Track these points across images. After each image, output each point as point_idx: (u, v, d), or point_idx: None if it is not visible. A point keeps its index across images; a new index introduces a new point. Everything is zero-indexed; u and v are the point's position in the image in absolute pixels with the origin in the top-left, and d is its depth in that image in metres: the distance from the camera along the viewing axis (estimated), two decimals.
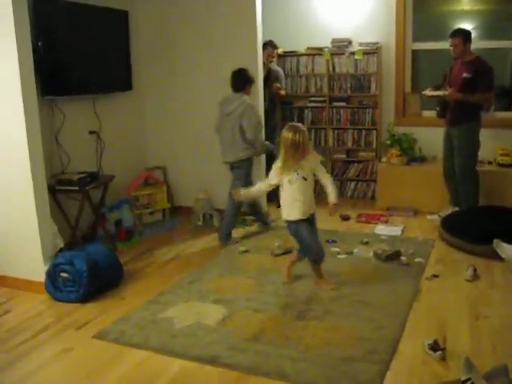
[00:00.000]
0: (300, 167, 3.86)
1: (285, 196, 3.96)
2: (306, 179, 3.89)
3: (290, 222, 3.98)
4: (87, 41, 5.10)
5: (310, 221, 4.01)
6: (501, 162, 5.93)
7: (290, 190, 3.91)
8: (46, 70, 4.61)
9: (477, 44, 5.89)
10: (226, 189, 6.00)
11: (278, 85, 6.40)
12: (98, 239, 5.10)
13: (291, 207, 3.94)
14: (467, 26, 6.10)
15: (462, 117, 5.41)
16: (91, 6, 5.12)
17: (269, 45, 6.41)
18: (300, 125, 3.86)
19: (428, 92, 5.77)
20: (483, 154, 5.77)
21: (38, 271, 4.16)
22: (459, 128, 5.45)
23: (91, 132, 5.43)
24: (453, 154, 5.57)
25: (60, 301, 4.03)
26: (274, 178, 3.95)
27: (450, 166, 5.66)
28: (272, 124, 6.47)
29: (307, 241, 3.95)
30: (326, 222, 5.78)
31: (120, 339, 3.42)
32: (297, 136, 3.72)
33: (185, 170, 6.34)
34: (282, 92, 6.54)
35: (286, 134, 3.77)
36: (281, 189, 3.97)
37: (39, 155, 4.11)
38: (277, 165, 3.90)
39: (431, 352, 3.09)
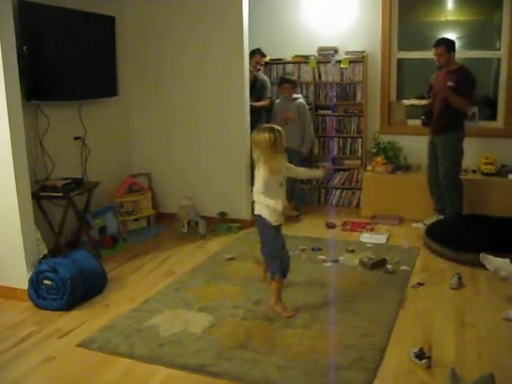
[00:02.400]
0: (283, 167, 3.75)
1: (273, 199, 3.66)
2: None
3: (271, 227, 3.75)
4: (73, 46, 5.08)
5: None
6: (484, 170, 6.00)
7: (280, 193, 3.69)
8: (30, 75, 4.58)
9: (461, 54, 5.97)
10: (210, 195, 6.02)
11: (252, 103, 6.26)
12: (82, 246, 5.05)
13: (277, 211, 3.68)
14: (452, 35, 6.18)
15: (445, 126, 5.47)
16: (78, 12, 5.10)
17: (257, 52, 6.44)
18: (272, 125, 3.77)
19: (406, 101, 5.85)
20: (467, 162, 5.85)
21: (20, 278, 4.12)
22: (443, 137, 5.51)
23: (76, 138, 5.40)
24: (437, 163, 5.63)
25: (43, 308, 3.99)
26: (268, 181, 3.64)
27: (434, 175, 5.71)
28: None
29: (282, 250, 3.78)
30: (311, 230, 5.82)
31: (105, 348, 3.40)
32: (275, 134, 3.59)
33: (169, 176, 6.33)
34: (262, 103, 6.49)
35: (262, 135, 3.60)
36: (267, 190, 3.65)
37: (23, 161, 4.07)
38: (266, 169, 3.61)
39: (417, 360, 3.10)
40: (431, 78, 5.56)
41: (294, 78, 6.55)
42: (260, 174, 3.63)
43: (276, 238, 3.78)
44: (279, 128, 3.69)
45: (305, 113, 6.36)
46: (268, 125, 3.80)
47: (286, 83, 6.32)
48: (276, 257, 3.77)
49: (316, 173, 4.32)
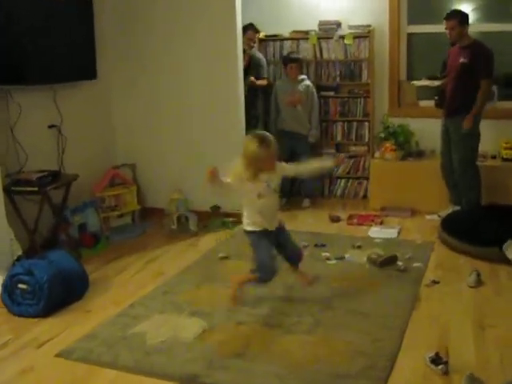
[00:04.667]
0: (270, 178, 3.74)
1: (249, 206, 3.78)
2: (275, 191, 3.79)
3: (250, 233, 3.83)
4: (46, 25, 5.02)
5: (276, 233, 3.87)
6: (505, 156, 5.99)
7: (259, 204, 3.73)
8: None
9: (477, 27, 5.95)
10: (201, 188, 5.99)
11: (253, 78, 6.39)
12: (60, 246, 5.04)
13: (255, 218, 3.77)
14: (466, 7, 6.16)
15: (459, 107, 5.46)
16: None
17: (249, 28, 6.41)
18: (267, 134, 3.70)
19: (417, 83, 5.84)
20: (485, 147, 5.84)
21: None
22: (457, 119, 5.49)
23: (51, 126, 5.38)
24: (451, 148, 5.62)
25: (18, 315, 3.97)
26: (231, 180, 3.73)
27: (448, 161, 5.71)
28: (254, 114, 6.49)
29: (260, 256, 3.77)
30: (313, 224, 5.82)
31: (87, 358, 3.39)
32: (268, 150, 3.58)
33: (157, 167, 6.31)
34: (260, 82, 6.53)
35: (250, 145, 3.60)
36: (241, 194, 3.80)
37: None
38: (237, 169, 3.70)
39: (433, 365, 3.10)
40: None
41: (301, 56, 6.55)
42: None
43: (256, 247, 3.79)
44: (272, 139, 3.66)
45: (313, 95, 6.42)
46: (262, 133, 3.75)
47: (293, 62, 6.33)
48: (256, 270, 3.80)
49: (324, 163, 4.08)
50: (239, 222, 5.81)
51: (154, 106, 6.19)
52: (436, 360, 3.12)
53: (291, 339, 3.50)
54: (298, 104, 6.37)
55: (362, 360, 3.22)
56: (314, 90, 6.49)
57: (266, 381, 3.06)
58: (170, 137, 6.19)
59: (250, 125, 6.20)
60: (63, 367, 3.31)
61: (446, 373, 3.05)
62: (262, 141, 3.60)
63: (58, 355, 3.44)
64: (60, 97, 5.44)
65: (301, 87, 6.39)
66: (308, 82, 6.44)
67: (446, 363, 3.09)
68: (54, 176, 4.94)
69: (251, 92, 6.33)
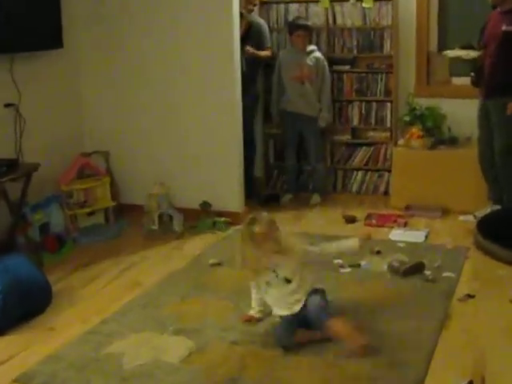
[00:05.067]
0: (278, 266, 3.78)
1: (267, 297, 3.92)
2: (289, 281, 3.79)
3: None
4: None
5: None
6: None
7: (271, 293, 3.85)
8: None
9: None
10: (189, 181, 6.02)
11: (249, 48, 6.39)
12: (18, 250, 5.06)
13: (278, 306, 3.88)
14: None
15: (501, 86, 5.47)
16: None
17: None
18: (263, 214, 3.85)
19: (450, 52, 5.83)
20: None
21: None
22: (498, 100, 5.51)
23: (7, 105, 5.39)
24: (491, 135, 5.65)
25: None
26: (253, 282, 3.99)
27: (487, 150, 5.73)
28: (252, 94, 6.50)
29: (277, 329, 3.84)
30: (324, 225, 5.85)
31: None
32: (254, 228, 3.71)
33: (135, 155, 6.34)
34: (264, 53, 6.55)
35: (242, 227, 3.86)
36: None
37: None
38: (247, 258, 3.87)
39: None
40: None
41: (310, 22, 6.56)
42: None
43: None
44: (267, 218, 3.79)
45: (324, 70, 6.45)
46: (255, 214, 3.86)
47: (302, 30, 6.35)
48: None
49: (349, 244, 3.99)
50: (233, 222, 5.88)
51: (132, 81, 6.21)
52: None
53: (295, 362, 3.52)
54: (306, 80, 6.39)
55: None
56: (326, 63, 6.50)
57: None
58: (152, 119, 6.21)
59: (248, 105, 6.22)
60: None
61: None
62: (253, 219, 3.76)
63: (15, 381, 3.45)
64: (18, 70, 5.44)
65: (309, 60, 6.40)
66: (318, 54, 6.45)
67: None
68: (11, 165, 4.95)
69: (250, 66, 6.32)
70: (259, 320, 3.97)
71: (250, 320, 3.97)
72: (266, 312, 3.97)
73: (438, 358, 3.55)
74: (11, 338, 3.95)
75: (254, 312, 4.00)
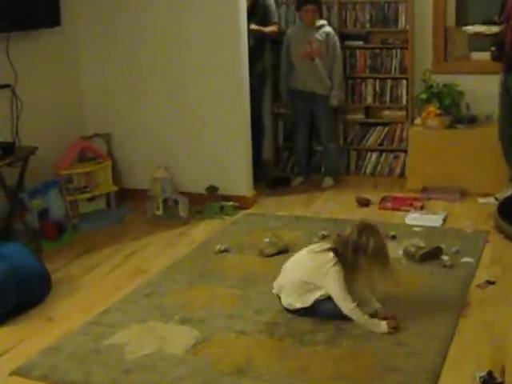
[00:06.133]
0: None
1: None
2: None
3: None
4: None
5: None
6: None
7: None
8: None
9: None
10: (195, 164, 6.02)
11: (254, 26, 6.35)
12: (15, 237, 5.07)
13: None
14: None
15: None
16: None
17: None
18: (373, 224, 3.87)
19: (470, 28, 5.79)
20: None
21: None
22: None
23: (3, 86, 5.39)
24: None
25: None
26: None
27: (508, 129, 5.71)
28: (259, 72, 6.48)
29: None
30: (337, 209, 5.85)
31: (50, 376, 3.41)
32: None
33: (137, 138, 6.34)
34: (269, 29, 6.51)
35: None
36: None
37: None
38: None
39: None
40: None
41: None
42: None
43: None
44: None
45: (335, 46, 6.43)
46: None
47: (310, 5, 6.31)
48: None
49: (376, 327, 3.77)
50: (240, 206, 5.88)
51: (134, 61, 6.20)
52: (488, 381, 3.13)
53: (305, 352, 3.52)
54: (316, 57, 6.37)
55: (396, 378, 3.24)
56: (337, 38, 6.47)
57: None
58: (155, 99, 6.20)
59: (256, 84, 6.21)
60: None
61: None
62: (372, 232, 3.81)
63: (13, 373, 3.46)
64: (14, 49, 5.43)
65: (319, 35, 6.37)
66: (329, 29, 6.42)
67: None
68: (7, 149, 4.95)
69: (256, 42, 6.31)
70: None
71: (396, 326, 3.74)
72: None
73: (456, 347, 3.54)
74: (9, 329, 3.96)
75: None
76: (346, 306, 3.72)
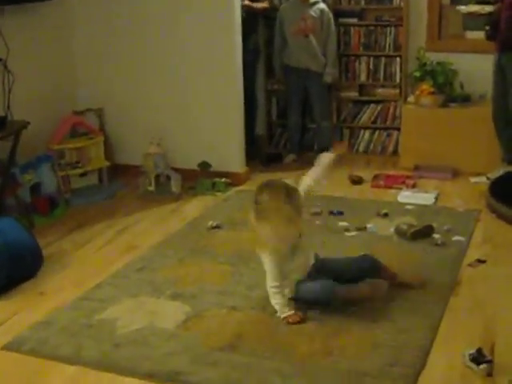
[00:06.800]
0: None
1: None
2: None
3: None
4: None
5: None
6: None
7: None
8: None
9: None
10: (188, 140, 6.01)
11: (246, 2, 6.33)
12: (7, 212, 5.07)
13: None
14: None
15: None
16: None
17: None
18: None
19: (464, 8, 5.78)
20: None
21: None
22: None
23: None
24: (506, 91, 5.61)
25: None
26: None
27: (502, 108, 5.71)
28: (252, 48, 6.47)
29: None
30: (329, 187, 5.82)
31: (41, 350, 3.43)
32: (293, 204, 3.55)
33: (130, 113, 6.33)
34: (261, 5, 6.49)
35: (275, 203, 3.54)
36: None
37: None
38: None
39: (473, 365, 3.12)
40: None
41: None
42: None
43: None
44: (293, 186, 3.67)
45: (329, 23, 6.42)
46: (278, 182, 3.73)
47: None
48: None
49: (325, 161, 4.09)
50: (233, 183, 5.88)
51: (128, 35, 6.17)
52: (478, 358, 3.14)
53: (296, 328, 3.54)
54: (310, 33, 6.34)
55: (385, 354, 3.26)
56: (331, 15, 6.44)
57: (265, 379, 3.10)
58: (148, 75, 6.18)
59: (249, 60, 6.19)
60: (11, 361, 3.35)
61: (489, 374, 3.08)
62: (287, 193, 3.59)
63: (4, 347, 3.47)
64: (6, 23, 5.39)
65: (313, 12, 6.34)
66: (323, 6, 6.39)
67: (489, 362, 3.11)
68: None
69: (249, 18, 6.27)
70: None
71: (300, 320, 3.64)
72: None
73: (446, 325, 3.56)
74: (0, 304, 3.96)
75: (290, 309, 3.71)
76: (268, 281, 3.69)
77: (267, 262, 3.70)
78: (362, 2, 6.68)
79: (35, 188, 5.39)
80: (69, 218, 5.39)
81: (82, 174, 5.94)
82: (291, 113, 6.78)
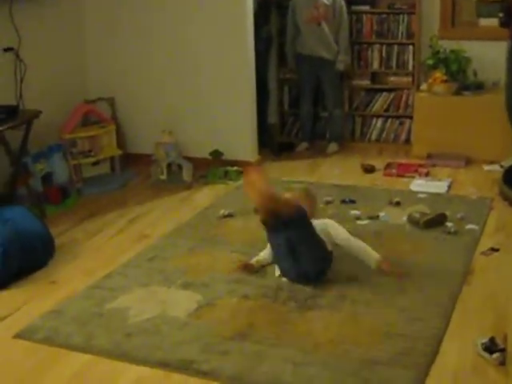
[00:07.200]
0: None
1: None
2: None
3: None
4: None
5: None
6: None
7: None
8: None
9: None
10: (200, 129, 6.00)
11: None
12: (19, 201, 5.07)
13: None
14: None
15: None
16: None
17: None
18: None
19: None
20: None
21: None
22: None
23: (7, 49, 5.37)
24: None
25: None
26: None
27: None
28: (264, 37, 6.44)
29: None
30: (341, 175, 5.84)
31: (52, 339, 3.44)
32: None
33: (142, 102, 6.32)
34: None
35: None
36: None
37: None
38: None
39: (486, 354, 3.12)
40: None
41: None
42: None
43: None
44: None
45: (342, 11, 6.40)
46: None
47: None
48: None
49: (371, 257, 4.02)
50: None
51: (139, 24, 6.16)
52: (490, 347, 3.14)
53: (308, 316, 3.54)
54: (322, 21, 6.32)
55: (396, 343, 3.25)
56: (343, 3, 6.42)
57: (277, 367, 3.10)
58: (159, 64, 6.17)
59: (261, 48, 6.17)
60: (23, 350, 3.36)
61: (502, 363, 3.07)
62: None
63: (16, 336, 3.49)
64: (18, 12, 5.40)
65: (326, 0, 6.32)
66: None
67: (502, 351, 3.10)
68: (11, 112, 4.93)
69: (262, 6, 6.26)
70: (255, 269, 4.07)
71: (246, 267, 4.05)
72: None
73: (459, 314, 3.55)
74: (12, 293, 3.98)
75: (253, 261, 4.12)
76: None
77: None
78: None
79: (47, 177, 5.40)
80: (80, 207, 5.40)
81: (94, 163, 5.94)
82: (303, 101, 6.76)
